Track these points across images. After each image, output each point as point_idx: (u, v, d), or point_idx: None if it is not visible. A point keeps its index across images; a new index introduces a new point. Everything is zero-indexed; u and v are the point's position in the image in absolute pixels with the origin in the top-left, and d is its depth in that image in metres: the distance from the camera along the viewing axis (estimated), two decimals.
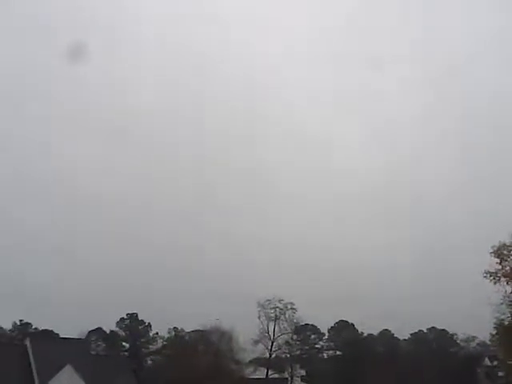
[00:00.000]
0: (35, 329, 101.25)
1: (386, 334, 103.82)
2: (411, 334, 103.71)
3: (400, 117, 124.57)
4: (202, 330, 74.87)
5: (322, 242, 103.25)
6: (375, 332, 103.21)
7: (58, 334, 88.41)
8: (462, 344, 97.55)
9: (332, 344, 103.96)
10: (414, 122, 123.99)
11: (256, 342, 75.75)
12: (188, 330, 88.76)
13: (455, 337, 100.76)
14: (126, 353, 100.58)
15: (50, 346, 65.89)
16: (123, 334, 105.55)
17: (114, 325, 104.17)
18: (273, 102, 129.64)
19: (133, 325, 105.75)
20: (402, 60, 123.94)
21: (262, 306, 75.12)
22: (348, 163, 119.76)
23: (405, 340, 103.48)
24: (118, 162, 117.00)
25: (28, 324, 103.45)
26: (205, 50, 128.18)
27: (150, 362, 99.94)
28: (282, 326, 78.07)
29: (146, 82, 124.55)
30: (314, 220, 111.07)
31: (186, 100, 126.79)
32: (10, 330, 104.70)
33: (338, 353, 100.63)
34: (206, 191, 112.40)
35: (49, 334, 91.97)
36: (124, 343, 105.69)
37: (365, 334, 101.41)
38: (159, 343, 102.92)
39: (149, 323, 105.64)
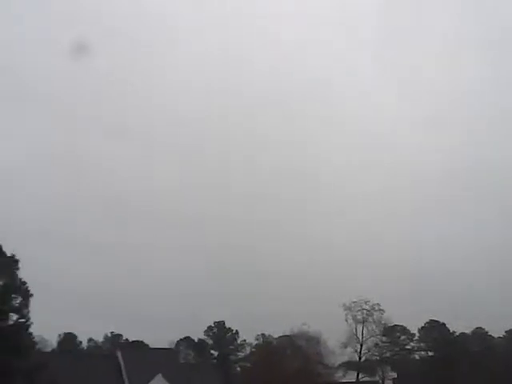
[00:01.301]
0: (126, 340, 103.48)
1: (479, 332, 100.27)
2: (506, 332, 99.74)
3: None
4: (289, 335, 74.38)
5: (401, 237, 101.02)
6: (468, 331, 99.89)
7: (147, 345, 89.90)
8: None
9: (423, 344, 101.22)
10: None
11: (344, 346, 74.64)
12: (275, 335, 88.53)
13: None
14: (214, 360, 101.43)
15: (140, 356, 66.89)
16: (211, 342, 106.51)
17: (202, 333, 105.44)
18: (322, 99, 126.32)
19: (220, 333, 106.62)
20: None
21: (348, 308, 73.96)
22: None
23: (500, 338, 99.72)
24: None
25: (119, 335, 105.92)
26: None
27: (238, 369, 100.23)
28: (370, 328, 76.74)
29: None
30: (390, 215, 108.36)
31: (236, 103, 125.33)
32: (101, 342, 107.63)
33: (429, 353, 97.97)
34: (284, 196, 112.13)
35: (139, 345, 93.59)
36: (212, 351, 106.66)
37: (457, 333, 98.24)
38: (247, 350, 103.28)
39: (236, 330, 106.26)
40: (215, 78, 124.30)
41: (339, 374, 75.14)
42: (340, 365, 76.13)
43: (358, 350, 76.15)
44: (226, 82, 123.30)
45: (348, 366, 77.79)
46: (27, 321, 41.98)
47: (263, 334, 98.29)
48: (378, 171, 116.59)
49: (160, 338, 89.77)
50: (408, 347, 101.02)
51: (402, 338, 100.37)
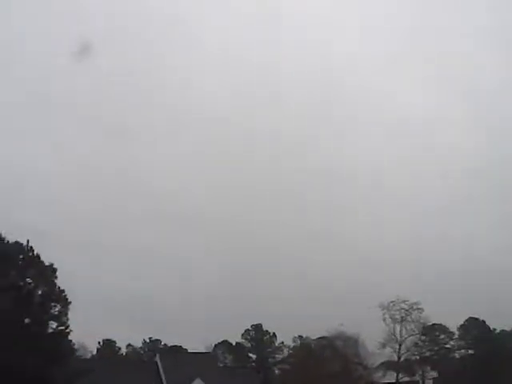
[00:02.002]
0: (164, 345, 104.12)
1: None
2: None
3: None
4: (327, 337, 74.05)
5: (438, 234, 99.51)
6: (508, 328, 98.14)
7: (186, 349, 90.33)
8: None
9: (463, 343, 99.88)
10: None
11: (383, 346, 73.96)
12: (313, 337, 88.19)
13: None
14: (253, 364, 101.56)
15: (179, 361, 67.30)
16: (249, 345, 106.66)
17: (240, 337, 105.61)
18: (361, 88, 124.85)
19: (258, 336, 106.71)
20: None
21: (386, 308, 73.24)
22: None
23: None
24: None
25: (157, 341, 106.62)
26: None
27: (276, 371, 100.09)
28: (408, 328, 75.85)
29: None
30: (426, 212, 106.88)
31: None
32: (140, 348, 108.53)
33: (469, 352, 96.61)
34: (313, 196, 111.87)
35: (177, 350, 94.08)
36: (250, 354, 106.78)
37: (497, 331, 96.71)
38: (285, 352, 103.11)
39: (273, 333, 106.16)
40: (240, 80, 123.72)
41: (378, 374, 74.49)
42: (379, 365, 75.49)
43: (397, 350, 75.39)
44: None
45: (387, 366, 77.06)
46: (66, 328, 42.61)
47: (300, 336, 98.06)
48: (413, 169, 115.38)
49: (198, 342, 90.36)
50: (448, 346, 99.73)
51: (442, 336, 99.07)
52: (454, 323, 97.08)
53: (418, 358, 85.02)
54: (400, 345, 75.41)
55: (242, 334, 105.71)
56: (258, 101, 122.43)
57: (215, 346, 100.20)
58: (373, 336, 70.78)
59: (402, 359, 76.85)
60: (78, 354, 54.22)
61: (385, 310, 73.05)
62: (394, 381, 75.78)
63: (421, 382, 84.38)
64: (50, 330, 42.24)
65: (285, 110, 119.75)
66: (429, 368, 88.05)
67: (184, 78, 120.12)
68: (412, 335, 77.15)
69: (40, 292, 42.59)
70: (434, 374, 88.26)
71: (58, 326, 42.35)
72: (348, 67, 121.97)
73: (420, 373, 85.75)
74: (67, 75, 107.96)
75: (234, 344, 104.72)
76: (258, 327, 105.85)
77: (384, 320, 73.50)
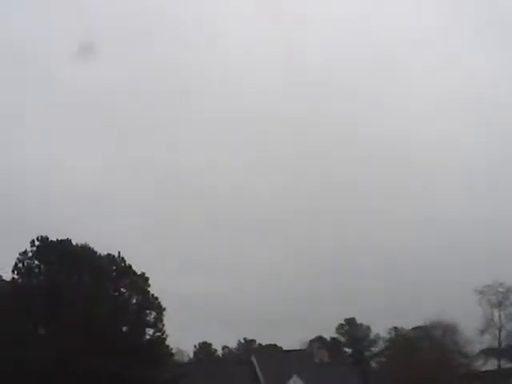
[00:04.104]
0: (259, 344, 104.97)
1: None
2: None
3: None
4: (423, 326, 72.69)
5: None
6: None
7: (281, 347, 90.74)
8: None
9: None
10: None
11: (482, 332, 71.76)
12: (408, 327, 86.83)
13: None
14: (349, 358, 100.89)
15: (275, 359, 67.76)
16: (344, 339, 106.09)
17: (334, 331, 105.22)
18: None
19: (352, 329, 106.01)
20: None
21: (481, 292, 71.05)
22: None
23: None
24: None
25: (252, 341, 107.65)
26: None
27: (374, 364, 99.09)
28: (507, 312, 73.34)
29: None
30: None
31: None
32: (235, 348, 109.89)
33: None
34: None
35: (272, 348, 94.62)
36: (346, 349, 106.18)
37: None
38: (381, 345, 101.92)
39: (368, 326, 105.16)
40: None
41: (479, 362, 72.36)
42: (479, 353, 73.35)
43: (497, 336, 73.03)
44: None
45: (488, 353, 74.72)
46: (163, 334, 43.60)
47: (395, 327, 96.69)
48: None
49: (292, 340, 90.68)
50: None
51: None
52: None
53: None
54: (500, 330, 73.04)
55: (336, 329, 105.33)
56: None
57: (310, 342, 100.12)
58: (470, 323, 68.86)
59: (503, 345, 74.42)
60: (175, 358, 55.23)
61: (481, 295, 70.93)
62: (495, 369, 73.42)
63: None
64: (147, 337, 43.30)
65: None
66: None
67: None
68: None
69: (135, 301, 43.77)
70: None
71: (154, 333, 43.40)
72: None
73: None
74: None
75: (328, 339, 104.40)
76: (351, 321, 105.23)
77: (480, 305, 71.42)
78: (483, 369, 71.02)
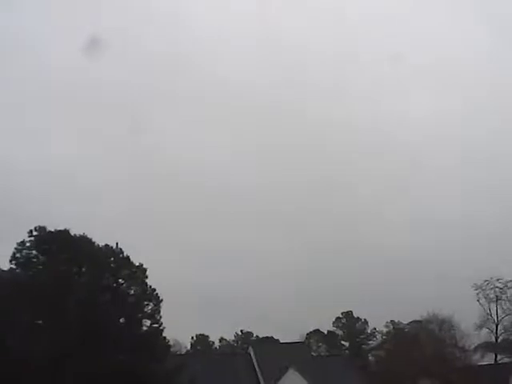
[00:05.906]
0: (256, 337, 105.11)
1: None
2: None
3: None
4: (420, 320, 72.81)
5: None
6: None
7: (278, 340, 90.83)
8: None
9: None
10: None
11: (479, 327, 71.92)
12: (405, 321, 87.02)
13: None
14: (346, 351, 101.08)
15: (272, 352, 67.84)
16: (341, 332, 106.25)
17: (331, 325, 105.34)
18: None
19: (349, 323, 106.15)
20: None
21: (479, 287, 71.14)
22: None
23: None
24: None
25: (249, 333, 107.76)
26: None
27: (371, 358, 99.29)
28: (505, 307, 73.45)
29: None
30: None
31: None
32: (232, 341, 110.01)
33: None
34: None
35: (270, 341, 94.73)
36: (343, 342, 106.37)
37: None
38: (379, 338, 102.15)
39: (365, 319, 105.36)
40: None
41: (476, 356, 72.52)
42: (476, 347, 73.51)
43: (494, 331, 73.17)
44: None
45: (485, 347, 74.91)
46: (160, 326, 43.52)
47: (393, 321, 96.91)
48: None
49: (289, 332, 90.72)
50: None
51: None
52: None
53: None
54: (497, 325, 73.18)
55: (334, 322, 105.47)
56: None
57: (307, 335, 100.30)
58: (467, 317, 68.96)
59: (499, 340, 74.55)
60: (172, 349, 55.16)
61: (479, 290, 71.04)
62: (492, 363, 73.60)
63: None
64: (145, 328, 43.24)
65: None
66: None
67: None
68: (509, 314, 74.65)
69: (133, 292, 43.67)
70: None
71: (151, 324, 43.33)
72: None
73: None
74: None
75: (325, 332, 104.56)
76: (348, 314, 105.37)
77: (478, 300, 71.53)
78: (481, 363, 71.19)
